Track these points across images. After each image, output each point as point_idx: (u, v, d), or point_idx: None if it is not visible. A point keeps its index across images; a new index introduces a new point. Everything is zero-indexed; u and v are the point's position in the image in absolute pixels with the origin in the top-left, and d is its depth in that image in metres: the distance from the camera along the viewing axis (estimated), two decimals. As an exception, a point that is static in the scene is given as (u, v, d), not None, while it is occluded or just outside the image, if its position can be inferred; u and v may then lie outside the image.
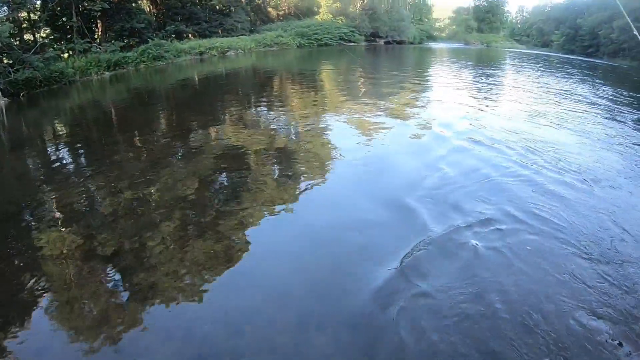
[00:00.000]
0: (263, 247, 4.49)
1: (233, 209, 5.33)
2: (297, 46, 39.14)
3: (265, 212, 5.23)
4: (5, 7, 20.16)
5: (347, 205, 5.38)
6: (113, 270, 4.15)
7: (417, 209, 5.08)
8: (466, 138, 8.25)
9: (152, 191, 6.05)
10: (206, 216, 5.19)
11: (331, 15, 49.16)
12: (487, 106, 12.00)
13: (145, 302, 3.66)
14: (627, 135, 8.98)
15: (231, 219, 5.06)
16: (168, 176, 6.65)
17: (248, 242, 4.58)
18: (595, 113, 11.53)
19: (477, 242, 4.29)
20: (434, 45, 59.88)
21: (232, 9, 38.78)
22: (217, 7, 37.80)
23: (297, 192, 5.84)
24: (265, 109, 12.03)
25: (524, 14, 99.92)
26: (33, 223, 5.30)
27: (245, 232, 4.78)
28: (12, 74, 15.92)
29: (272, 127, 9.76)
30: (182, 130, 9.95)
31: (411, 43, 55.78)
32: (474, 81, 18.83)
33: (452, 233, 4.52)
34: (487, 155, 7.20)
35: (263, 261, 4.25)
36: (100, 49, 22.84)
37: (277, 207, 5.35)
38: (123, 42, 25.05)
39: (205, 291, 3.77)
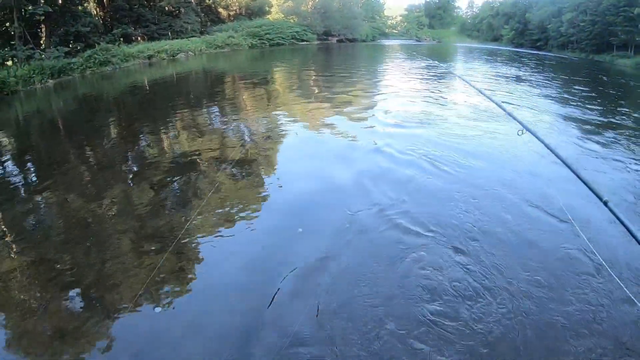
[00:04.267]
0: (218, 255, 4.52)
1: (187, 216, 5.27)
2: (249, 47, 39.12)
3: (219, 219, 5.24)
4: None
5: (298, 209, 5.52)
6: (70, 290, 4.00)
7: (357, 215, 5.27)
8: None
9: (105, 202, 5.88)
10: (160, 225, 5.13)
11: (283, 15, 49.38)
12: (436, 102, 12.78)
13: (106, 320, 3.57)
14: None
15: (185, 227, 4.99)
16: (120, 186, 6.56)
17: (202, 250, 4.61)
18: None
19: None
20: (386, 42, 60.95)
21: (182, 10, 38.28)
22: (166, 8, 37.22)
23: (251, 198, 5.92)
24: (217, 112, 12.02)
25: (474, 10, 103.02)
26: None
27: (199, 240, 4.79)
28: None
29: (224, 132, 9.77)
30: (134, 138, 9.79)
31: (363, 41, 56.67)
32: (423, 78, 19.51)
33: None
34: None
35: (217, 269, 4.28)
36: (44, 55, 22.02)
37: (231, 213, 5.39)
38: (68, 47, 24.33)
39: (168, 304, 3.76)
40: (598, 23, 52.61)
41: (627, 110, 12.95)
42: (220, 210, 5.49)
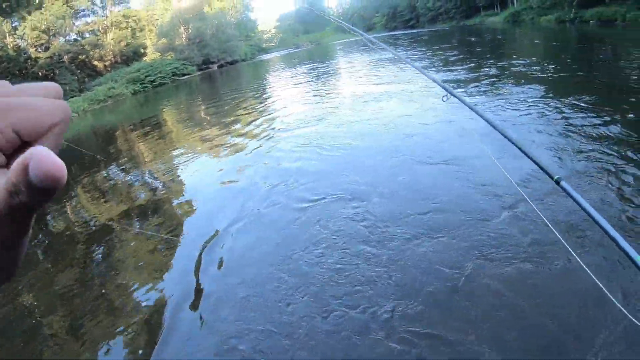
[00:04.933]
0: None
1: (114, 282, 5.19)
2: (132, 93, 39.04)
3: (139, 282, 5.07)
4: None
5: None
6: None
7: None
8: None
9: (30, 292, 5.47)
10: (88, 302, 4.87)
11: (159, 54, 49.97)
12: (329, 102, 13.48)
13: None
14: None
15: (115, 295, 4.91)
16: (38, 268, 6.14)
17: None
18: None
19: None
20: (266, 56, 62.73)
21: (56, 71, 37.94)
22: (39, 73, 36.65)
23: (170, 251, 5.71)
24: (117, 170, 11.64)
25: (344, 6, 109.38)
26: None
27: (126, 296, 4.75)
28: None
29: (129, 187, 9.60)
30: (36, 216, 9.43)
31: (244, 60, 58.52)
32: (308, 80, 21.01)
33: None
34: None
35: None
36: None
37: (151, 270, 5.34)
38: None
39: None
40: (463, -10, 57.80)
41: (492, 62, 14.87)
42: (139, 274, 5.32)
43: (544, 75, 11.39)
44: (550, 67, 12.34)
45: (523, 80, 10.78)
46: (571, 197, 1.14)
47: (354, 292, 3.63)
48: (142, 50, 50.17)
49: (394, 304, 3.41)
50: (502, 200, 4.70)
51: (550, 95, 9.05)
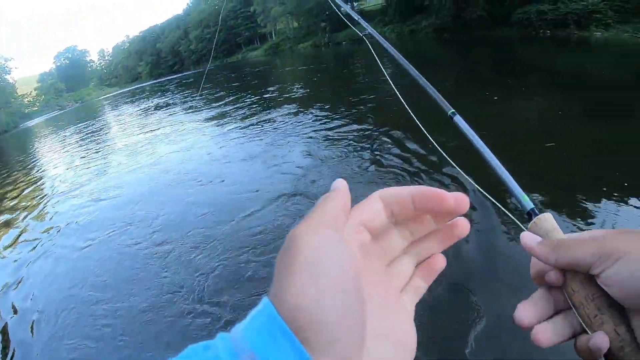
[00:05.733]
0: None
1: None
2: None
3: None
4: None
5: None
6: None
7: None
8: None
9: None
10: None
11: None
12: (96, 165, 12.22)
13: None
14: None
15: None
16: None
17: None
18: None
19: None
20: (30, 123, 58.16)
21: None
22: None
23: None
24: None
25: (107, 58, 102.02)
26: None
27: None
28: None
29: None
30: None
31: (6, 131, 53.68)
32: (79, 140, 19.40)
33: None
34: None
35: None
36: None
37: None
38: None
39: None
40: (222, 31, 61.28)
41: (250, 91, 16.50)
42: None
43: (295, 94, 13.16)
44: (300, 87, 14.34)
45: (273, 103, 12.55)
46: (462, 130, 1.09)
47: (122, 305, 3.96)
48: None
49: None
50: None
51: (301, 109, 10.66)
